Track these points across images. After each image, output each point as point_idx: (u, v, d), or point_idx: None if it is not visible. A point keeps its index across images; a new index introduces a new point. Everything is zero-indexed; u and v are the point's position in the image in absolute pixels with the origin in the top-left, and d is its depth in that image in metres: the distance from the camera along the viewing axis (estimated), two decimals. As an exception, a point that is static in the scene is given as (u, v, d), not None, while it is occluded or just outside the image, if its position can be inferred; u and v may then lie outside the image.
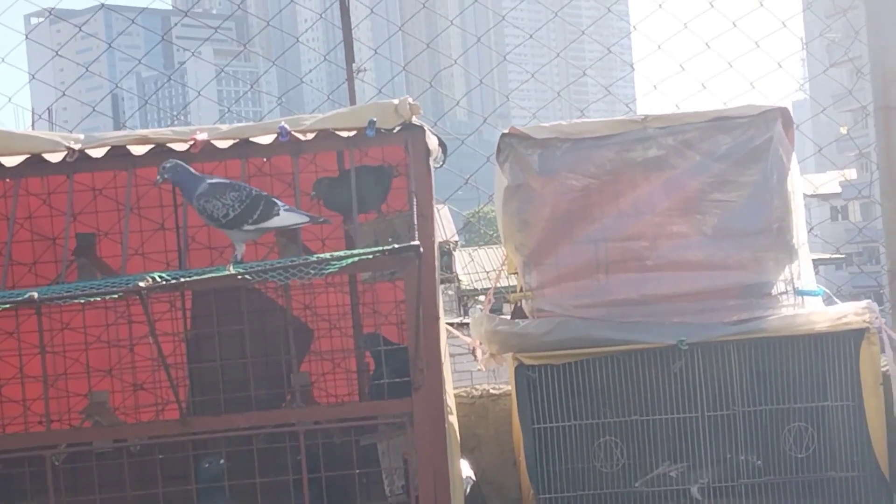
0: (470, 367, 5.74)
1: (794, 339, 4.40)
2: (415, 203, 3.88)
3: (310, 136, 4.03)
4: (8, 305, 3.36)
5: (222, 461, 4.09)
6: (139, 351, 4.81)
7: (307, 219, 3.78)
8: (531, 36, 6.49)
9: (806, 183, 4.86)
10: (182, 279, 3.48)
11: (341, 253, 3.60)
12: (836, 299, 4.61)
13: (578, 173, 4.54)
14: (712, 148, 4.53)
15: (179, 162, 3.83)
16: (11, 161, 3.94)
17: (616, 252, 4.52)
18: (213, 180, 3.81)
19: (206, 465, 4.13)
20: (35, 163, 3.96)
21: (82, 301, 3.52)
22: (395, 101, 4.01)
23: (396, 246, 3.55)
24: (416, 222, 3.82)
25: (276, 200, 3.79)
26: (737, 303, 4.47)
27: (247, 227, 3.76)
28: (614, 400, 4.42)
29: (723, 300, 4.48)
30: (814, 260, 4.95)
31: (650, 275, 4.51)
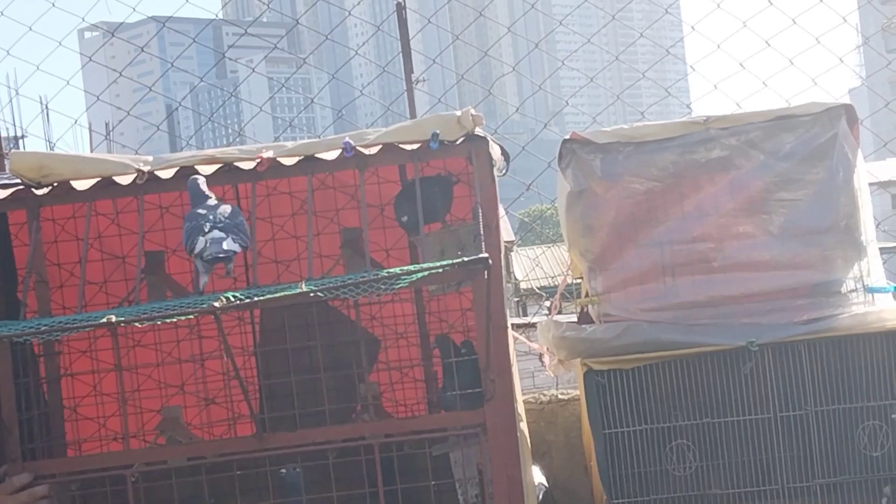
0: (531, 367, 5.76)
1: (865, 336, 4.36)
2: (480, 214, 3.90)
3: (374, 150, 4.06)
4: (87, 328, 3.42)
5: (298, 469, 4.13)
6: (209, 366, 4.87)
7: (203, 268, 3.72)
8: (589, 40, 6.48)
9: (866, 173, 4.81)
10: (255, 297, 3.53)
11: (411, 267, 3.63)
12: (907, 296, 4.56)
13: (641, 177, 4.53)
14: (776, 147, 4.49)
15: (199, 180, 3.85)
16: (82, 185, 4.01)
17: (682, 254, 4.50)
18: (193, 209, 3.83)
19: (284, 472, 4.17)
20: (105, 185, 4.03)
21: (157, 322, 3.58)
22: (458, 113, 4.03)
23: (466, 259, 3.58)
24: (482, 233, 3.84)
25: (209, 233, 3.73)
26: (806, 302, 4.44)
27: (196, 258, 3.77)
28: (685, 403, 4.40)
29: (792, 300, 4.44)
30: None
31: (717, 276, 4.48)
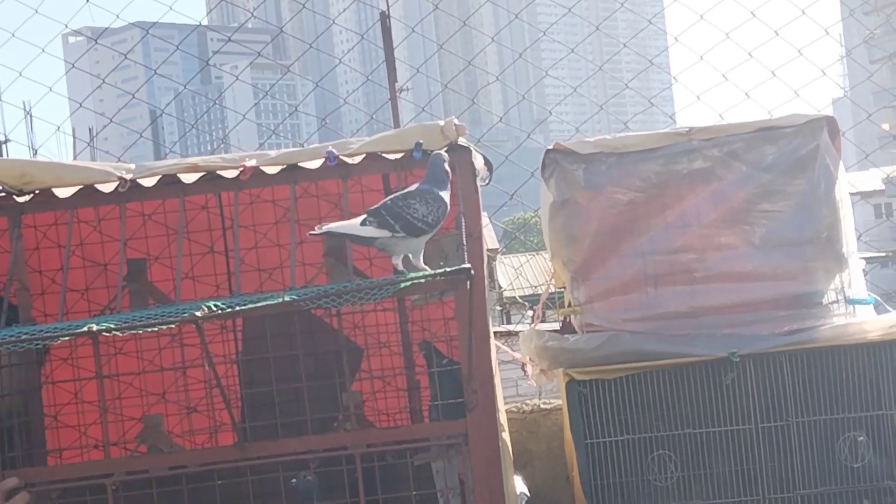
0: (514, 376, 5.76)
1: (846, 348, 4.37)
2: (463, 223, 3.90)
3: (357, 159, 4.06)
4: (67, 337, 3.40)
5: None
6: (191, 374, 4.85)
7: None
8: (573, 50, 6.51)
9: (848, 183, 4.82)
10: (237, 307, 3.51)
11: (394, 277, 3.62)
12: (887, 307, 4.59)
13: (624, 187, 4.54)
14: (758, 158, 4.51)
15: (441, 157, 3.81)
16: (64, 192, 4.00)
17: (664, 265, 4.51)
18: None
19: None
20: (87, 193, 4.02)
21: (139, 331, 3.56)
22: (441, 123, 4.03)
23: (448, 269, 3.57)
24: (465, 243, 3.84)
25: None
26: (787, 313, 4.45)
27: None
28: (667, 413, 4.41)
29: (773, 311, 4.46)
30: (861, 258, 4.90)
31: (699, 287, 4.50)
